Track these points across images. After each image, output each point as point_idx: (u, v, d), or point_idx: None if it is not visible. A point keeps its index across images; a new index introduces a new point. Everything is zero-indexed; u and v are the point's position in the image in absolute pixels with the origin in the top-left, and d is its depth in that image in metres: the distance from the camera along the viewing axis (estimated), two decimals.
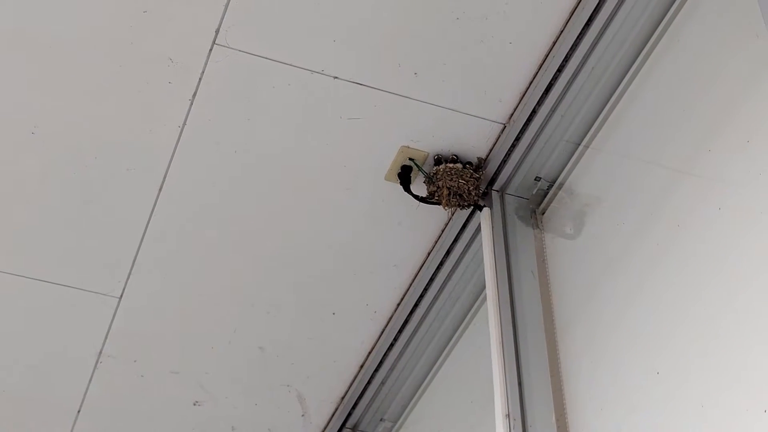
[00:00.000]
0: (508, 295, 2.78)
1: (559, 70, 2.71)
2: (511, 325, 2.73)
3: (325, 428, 3.75)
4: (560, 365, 2.65)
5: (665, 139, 2.46)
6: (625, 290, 2.46)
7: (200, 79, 2.79)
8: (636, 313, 2.38)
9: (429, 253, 3.22)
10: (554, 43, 2.72)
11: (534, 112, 2.80)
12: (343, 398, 3.66)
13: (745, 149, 2.14)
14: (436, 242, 3.19)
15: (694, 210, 2.27)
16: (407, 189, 2.99)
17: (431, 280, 3.22)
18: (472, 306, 3.25)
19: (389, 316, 3.41)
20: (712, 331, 2.11)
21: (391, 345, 3.42)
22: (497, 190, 2.97)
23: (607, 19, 2.58)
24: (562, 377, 2.63)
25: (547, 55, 2.75)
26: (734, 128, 2.19)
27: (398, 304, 3.38)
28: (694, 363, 2.13)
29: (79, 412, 3.65)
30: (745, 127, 2.16)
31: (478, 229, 3.00)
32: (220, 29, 2.69)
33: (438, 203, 2.97)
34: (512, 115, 2.88)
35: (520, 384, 2.61)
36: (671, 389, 2.18)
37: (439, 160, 2.95)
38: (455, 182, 2.93)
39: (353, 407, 3.63)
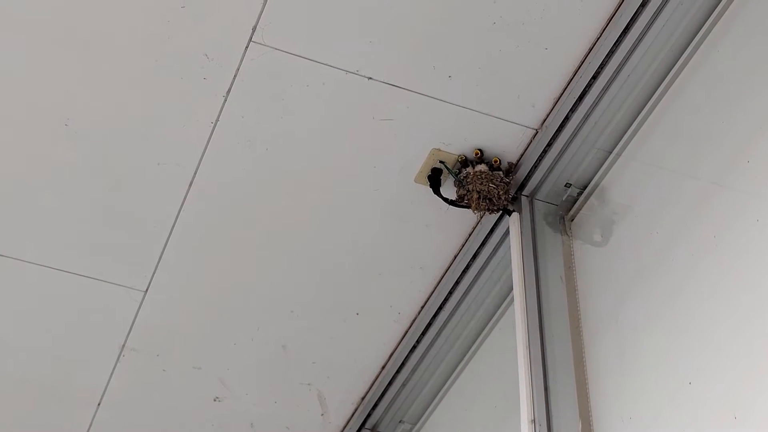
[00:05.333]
0: (535, 300, 2.78)
1: (594, 77, 2.70)
2: (538, 329, 2.72)
3: (344, 428, 3.74)
4: (587, 372, 2.65)
5: (701, 149, 2.45)
6: (656, 299, 2.46)
7: (235, 76, 2.79)
8: (668, 323, 2.37)
9: (455, 257, 3.22)
10: (590, 49, 2.72)
11: (567, 118, 2.79)
12: (363, 399, 3.66)
13: None
14: (463, 246, 3.18)
15: (730, 222, 2.26)
16: (437, 192, 2.99)
17: (457, 283, 3.22)
18: (496, 311, 3.24)
19: (413, 318, 3.40)
20: (746, 342, 2.10)
21: (414, 347, 3.42)
22: (527, 196, 2.97)
23: (645, 26, 2.57)
24: (589, 384, 2.62)
25: (582, 62, 2.74)
26: None
27: (422, 307, 3.37)
28: (728, 374, 2.13)
29: (99, 404, 3.65)
30: None
31: (506, 234, 3.00)
32: (257, 27, 2.69)
33: (467, 207, 2.96)
34: (545, 120, 2.87)
35: (546, 389, 2.61)
36: (703, 400, 2.18)
37: (465, 162, 2.94)
38: (485, 186, 2.92)
39: (373, 408, 3.62)
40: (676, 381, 2.27)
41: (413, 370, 3.46)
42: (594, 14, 2.66)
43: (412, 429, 3.64)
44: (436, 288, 3.31)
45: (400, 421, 3.64)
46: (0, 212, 3.12)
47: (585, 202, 2.91)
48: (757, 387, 2.04)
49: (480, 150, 2.93)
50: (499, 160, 2.94)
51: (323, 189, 3.08)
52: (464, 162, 2.94)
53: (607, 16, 2.66)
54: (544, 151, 2.88)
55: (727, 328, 2.18)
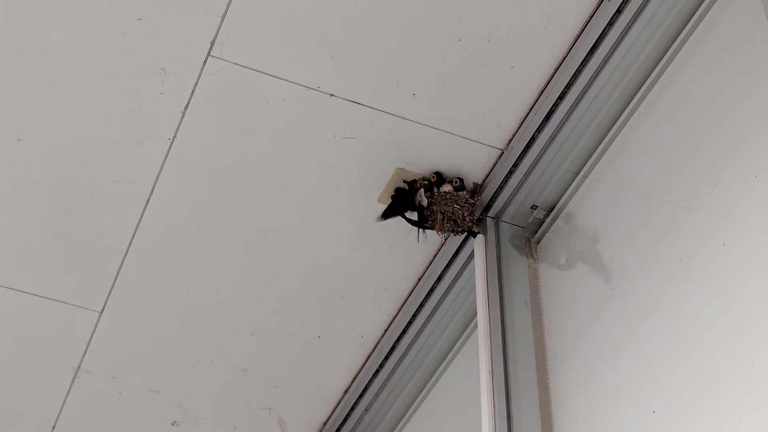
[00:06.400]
0: (499, 325, 2.73)
1: (561, 97, 2.66)
2: (501, 355, 2.67)
3: None
4: (551, 399, 2.59)
5: (669, 171, 2.41)
6: (621, 325, 2.41)
7: (193, 91, 2.72)
8: (633, 350, 2.32)
9: (420, 279, 3.16)
10: (557, 68, 2.67)
11: (533, 138, 2.74)
12: (325, 424, 3.60)
13: (752, 184, 2.08)
14: (428, 268, 3.13)
15: (697, 245, 2.21)
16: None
17: (421, 306, 3.16)
18: (461, 334, 3.19)
19: (376, 341, 3.35)
20: (712, 370, 2.05)
21: (377, 371, 3.36)
22: (492, 217, 2.91)
23: (612, 46, 2.52)
24: (553, 412, 2.57)
25: (549, 81, 2.70)
26: (741, 162, 2.14)
27: (386, 330, 3.31)
28: (693, 403, 2.08)
29: (54, 427, 3.57)
30: (753, 161, 2.10)
31: (471, 256, 2.95)
32: (216, 41, 2.63)
33: (431, 228, 2.91)
34: (511, 140, 2.82)
35: (509, 417, 2.56)
36: (667, 430, 2.12)
37: (430, 185, 2.88)
38: (450, 207, 2.87)
39: None
40: (640, 410, 2.22)
41: (376, 395, 3.40)
42: (561, 32, 2.61)
43: None
44: (399, 311, 3.26)
45: None
46: None
47: (551, 225, 2.86)
48: (722, 416, 1.99)
49: (438, 173, 2.88)
50: (460, 180, 2.87)
51: (284, 209, 3.01)
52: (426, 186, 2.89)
53: (574, 35, 2.61)
54: (510, 172, 2.82)
55: (693, 354, 2.12)
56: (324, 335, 3.34)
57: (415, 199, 2.92)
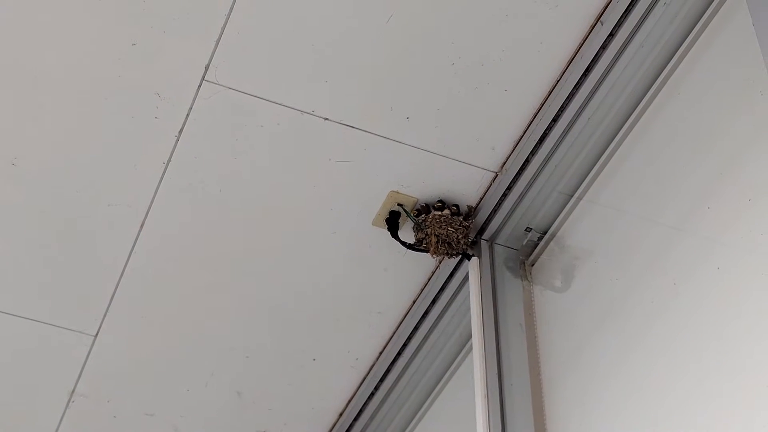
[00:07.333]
0: (494, 348, 2.73)
1: (555, 120, 2.66)
2: (496, 378, 2.67)
3: None
4: (546, 422, 2.59)
5: (662, 194, 2.41)
6: (616, 348, 2.41)
7: (188, 115, 2.73)
8: (628, 372, 2.32)
9: (414, 301, 3.16)
10: (550, 91, 2.68)
11: (527, 161, 2.75)
12: None
13: (747, 208, 2.09)
14: (422, 290, 3.13)
15: (691, 269, 2.22)
16: (395, 235, 2.93)
17: (416, 328, 3.16)
18: (456, 357, 3.18)
19: (371, 364, 3.34)
20: (708, 393, 2.05)
21: (372, 394, 3.35)
22: (486, 240, 2.92)
23: (606, 69, 2.53)
24: None
25: (542, 104, 2.70)
26: (736, 186, 2.15)
27: (381, 352, 3.31)
28: (689, 425, 2.07)
29: None
30: (748, 185, 2.11)
31: (466, 279, 2.95)
32: (210, 65, 2.63)
33: (426, 251, 2.91)
34: (505, 163, 2.83)
35: None
36: None
37: (427, 208, 2.89)
38: (444, 230, 2.87)
39: None
40: None
41: (371, 418, 3.39)
42: (554, 55, 2.62)
43: None
44: (394, 333, 3.25)
45: None
46: None
47: (545, 247, 2.86)
48: None
49: (442, 201, 2.89)
50: (456, 207, 2.88)
51: (279, 232, 3.01)
52: (423, 208, 2.90)
53: (568, 58, 2.62)
54: (504, 195, 2.83)
55: (687, 376, 2.12)
56: (319, 358, 3.33)
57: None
